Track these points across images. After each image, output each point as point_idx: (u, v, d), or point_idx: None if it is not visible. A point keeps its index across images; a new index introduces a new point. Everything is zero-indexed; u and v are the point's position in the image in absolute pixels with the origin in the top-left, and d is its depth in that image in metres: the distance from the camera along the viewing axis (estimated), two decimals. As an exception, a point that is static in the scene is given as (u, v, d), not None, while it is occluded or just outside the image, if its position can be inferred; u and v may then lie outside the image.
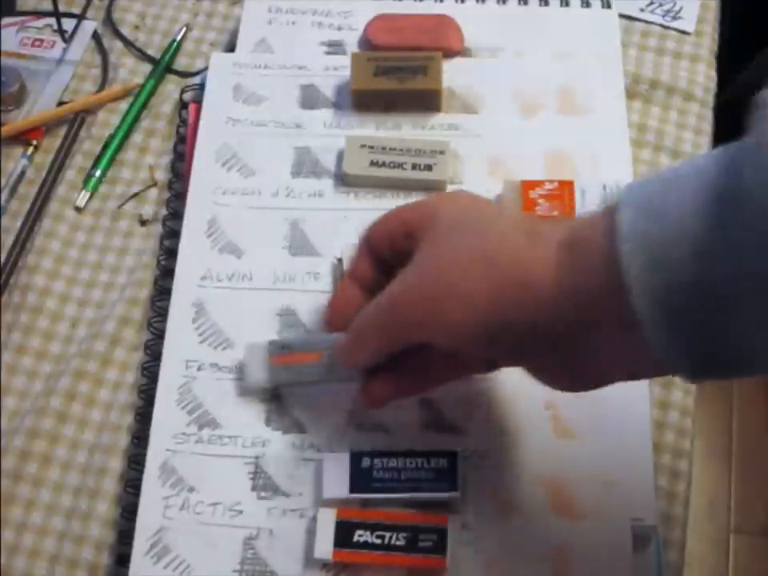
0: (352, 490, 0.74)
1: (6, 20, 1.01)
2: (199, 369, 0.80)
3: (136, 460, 0.78)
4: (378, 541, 0.71)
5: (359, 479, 0.74)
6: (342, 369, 0.73)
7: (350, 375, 0.74)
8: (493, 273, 0.60)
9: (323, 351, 0.75)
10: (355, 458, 0.75)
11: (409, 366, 0.71)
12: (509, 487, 0.75)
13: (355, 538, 0.71)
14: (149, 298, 0.87)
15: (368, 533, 0.71)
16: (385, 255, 0.73)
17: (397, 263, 0.69)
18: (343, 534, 0.71)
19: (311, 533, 0.74)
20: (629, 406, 0.78)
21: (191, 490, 0.76)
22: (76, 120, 0.96)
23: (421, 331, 0.65)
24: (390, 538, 0.71)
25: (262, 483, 0.76)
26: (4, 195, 0.92)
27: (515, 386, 0.78)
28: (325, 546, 0.71)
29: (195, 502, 0.76)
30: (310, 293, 0.83)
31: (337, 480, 0.74)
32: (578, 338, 0.59)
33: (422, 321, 0.64)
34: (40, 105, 0.97)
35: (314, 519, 0.74)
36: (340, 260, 0.83)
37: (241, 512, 0.75)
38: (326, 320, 0.78)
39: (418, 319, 0.64)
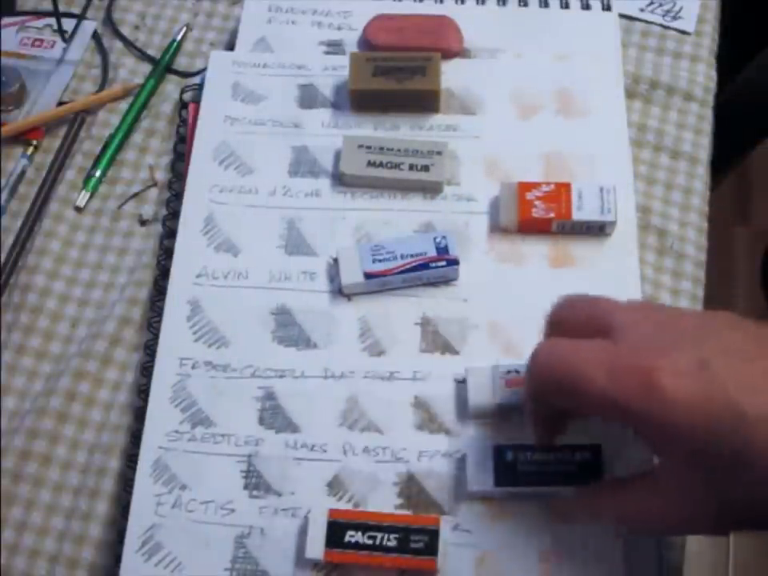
0: (497, 483, 0.74)
1: (6, 20, 1.01)
2: (193, 367, 0.80)
3: (134, 459, 0.78)
4: (370, 541, 0.71)
5: (504, 473, 0.73)
6: None
7: None
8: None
9: None
10: (498, 452, 0.74)
11: None
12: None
13: (347, 539, 0.71)
14: (149, 298, 0.87)
15: (359, 533, 0.71)
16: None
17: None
18: (335, 535, 0.71)
19: (303, 532, 0.73)
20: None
21: (184, 487, 0.76)
22: (76, 120, 0.96)
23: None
24: (382, 538, 0.71)
25: (255, 482, 0.76)
26: (4, 195, 0.92)
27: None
28: (316, 546, 0.71)
29: (187, 500, 0.76)
30: (306, 292, 0.83)
31: (481, 473, 0.74)
32: None
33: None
34: (40, 105, 0.97)
35: (305, 518, 0.74)
36: (335, 260, 0.83)
37: (233, 510, 0.75)
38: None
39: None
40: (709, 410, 0.56)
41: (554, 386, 0.64)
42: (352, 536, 0.71)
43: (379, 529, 0.71)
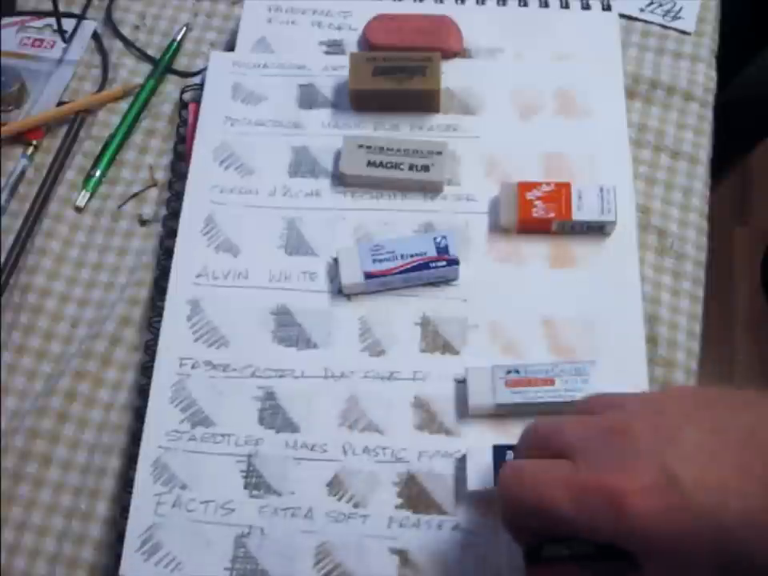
0: (497, 483, 0.73)
1: (6, 20, 1.01)
2: (193, 367, 0.81)
3: (134, 459, 0.78)
4: (567, 551, 0.67)
5: None
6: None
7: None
8: None
9: (556, 378, 0.76)
10: (498, 452, 0.74)
11: None
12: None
13: (544, 554, 0.65)
14: (149, 298, 0.87)
15: (556, 545, 0.66)
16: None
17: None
18: (532, 551, 0.64)
19: (305, 531, 0.74)
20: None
21: (183, 487, 0.76)
22: (76, 120, 0.96)
23: None
24: (579, 546, 0.66)
25: (254, 482, 0.76)
26: (4, 195, 0.92)
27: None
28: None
29: (187, 500, 0.76)
30: (306, 292, 0.83)
31: (480, 473, 0.74)
32: None
33: None
34: (40, 105, 0.97)
35: (306, 517, 0.75)
36: (335, 260, 0.83)
37: (233, 510, 0.75)
38: None
39: None
40: (684, 525, 0.54)
41: (524, 513, 0.60)
42: (549, 550, 0.66)
43: (575, 538, 0.67)
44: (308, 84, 0.93)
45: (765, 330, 2.05)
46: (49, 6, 0.99)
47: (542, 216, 0.83)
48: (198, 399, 0.79)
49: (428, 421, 0.78)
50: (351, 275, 0.81)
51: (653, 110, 0.94)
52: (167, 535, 0.75)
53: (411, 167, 0.86)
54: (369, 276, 0.81)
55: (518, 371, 0.76)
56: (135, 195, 0.92)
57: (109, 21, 1.02)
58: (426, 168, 0.86)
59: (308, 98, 0.93)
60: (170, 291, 0.84)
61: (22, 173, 0.93)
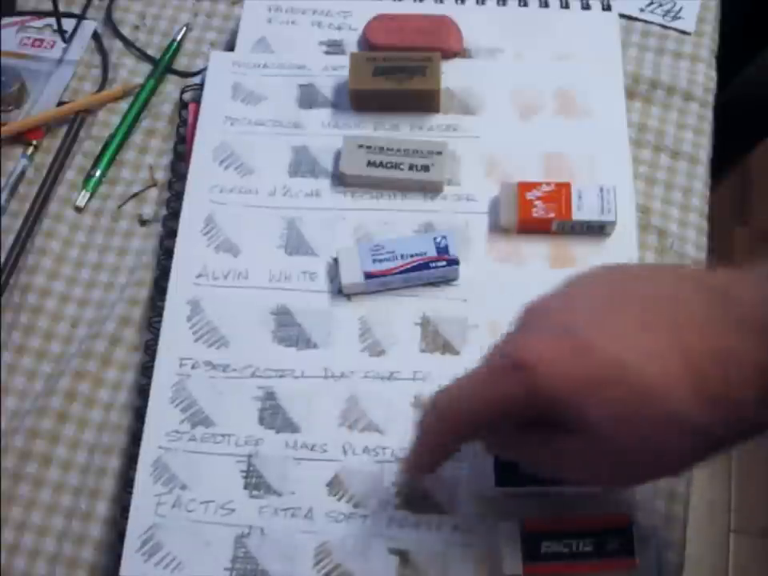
0: (497, 483, 0.73)
1: (6, 20, 1.01)
2: (193, 367, 0.80)
3: (134, 459, 0.78)
4: (566, 549, 0.70)
5: (504, 473, 0.73)
6: None
7: None
8: None
9: None
10: None
11: None
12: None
13: (543, 550, 0.70)
14: (149, 298, 0.87)
15: (554, 542, 0.71)
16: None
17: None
18: (530, 547, 0.71)
19: (305, 531, 0.74)
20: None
21: (184, 487, 0.76)
22: (76, 120, 0.96)
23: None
24: (578, 545, 0.71)
25: (255, 482, 0.76)
26: (4, 195, 0.92)
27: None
28: (513, 562, 0.71)
29: (187, 500, 0.76)
30: (306, 292, 0.83)
31: (481, 473, 0.74)
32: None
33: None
34: (40, 105, 0.97)
35: (306, 517, 0.75)
36: (335, 260, 0.83)
37: (233, 510, 0.75)
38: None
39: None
40: (586, 370, 0.55)
41: (460, 423, 0.62)
42: (548, 546, 0.70)
43: (574, 536, 0.71)
44: (308, 84, 0.93)
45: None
46: (49, 6, 0.99)
47: (542, 216, 0.83)
48: (198, 399, 0.79)
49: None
50: (351, 275, 0.81)
51: (653, 110, 0.94)
52: (167, 535, 0.74)
53: (411, 167, 0.86)
54: (369, 276, 0.81)
55: None
56: (135, 195, 0.92)
57: (109, 21, 1.02)
58: (425, 168, 0.86)
59: (308, 98, 0.93)
60: (170, 291, 0.84)
61: (22, 173, 0.93)
